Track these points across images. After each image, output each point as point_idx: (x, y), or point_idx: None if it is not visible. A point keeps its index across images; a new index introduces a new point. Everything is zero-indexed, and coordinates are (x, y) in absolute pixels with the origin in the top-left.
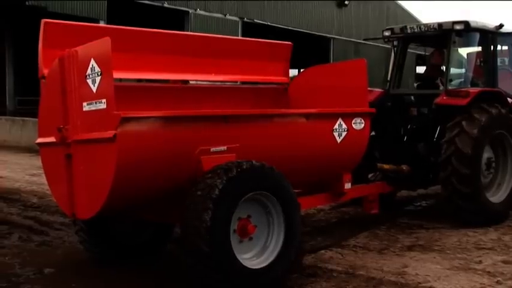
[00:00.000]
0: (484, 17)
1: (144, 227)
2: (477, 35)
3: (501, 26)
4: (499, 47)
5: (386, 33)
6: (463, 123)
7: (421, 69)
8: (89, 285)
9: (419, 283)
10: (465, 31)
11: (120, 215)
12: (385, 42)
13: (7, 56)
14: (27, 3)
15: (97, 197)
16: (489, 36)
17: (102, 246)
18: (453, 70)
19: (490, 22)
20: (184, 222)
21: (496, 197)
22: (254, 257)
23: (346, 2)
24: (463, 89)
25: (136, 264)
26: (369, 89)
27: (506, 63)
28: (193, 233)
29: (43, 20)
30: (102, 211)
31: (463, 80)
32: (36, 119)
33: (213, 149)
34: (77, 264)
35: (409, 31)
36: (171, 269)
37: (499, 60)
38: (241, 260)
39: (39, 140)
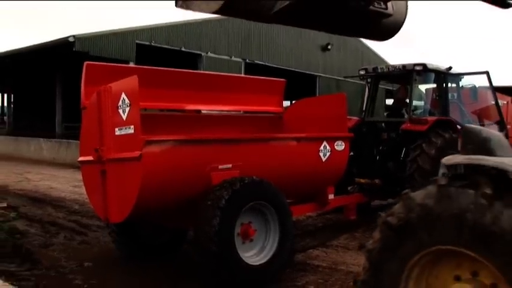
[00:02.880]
0: (439, 57)
1: (163, 230)
2: (432, 75)
3: (450, 68)
4: (449, 85)
5: (362, 72)
6: (423, 145)
7: (389, 101)
8: (119, 276)
9: None
10: (423, 71)
11: (145, 220)
12: (361, 79)
13: (57, 91)
14: (74, 49)
15: (126, 205)
16: (441, 76)
17: (129, 246)
18: (415, 102)
19: (443, 64)
20: (196, 227)
21: None
22: (254, 256)
23: (329, 47)
24: (422, 118)
25: (156, 260)
26: (348, 117)
27: (455, 97)
28: (204, 235)
29: (85, 62)
30: (129, 217)
31: (422, 110)
32: (78, 141)
33: (220, 167)
34: (110, 259)
35: (379, 70)
36: (185, 265)
37: (450, 95)
38: (243, 258)
39: (80, 159)
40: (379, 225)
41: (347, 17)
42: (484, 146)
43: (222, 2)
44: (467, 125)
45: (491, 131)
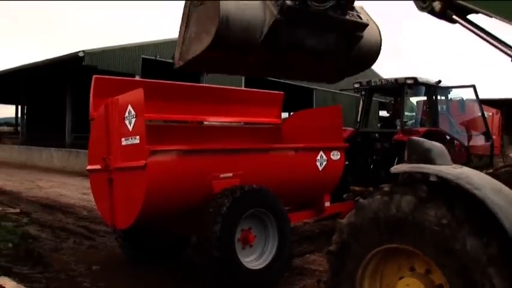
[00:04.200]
0: (427, 71)
1: (168, 236)
2: (423, 88)
3: (439, 81)
4: (439, 97)
5: (356, 85)
6: None
7: (383, 113)
8: (125, 279)
9: None
10: (414, 85)
11: (150, 226)
12: (355, 92)
13: (67, 102)
14: (83, 63)
15: (131, 212)
16: (431, 89)
17: (135, 250)
18: (407, 114)
19: (432, 78)
20: (199, 233)
21: None
22: (254, 260)
23: None
24: (414, 129)
25: (161, 264)
26: (343, 128)
27: (444, 109)
28: (206, 241)
29: (94, 76)
30: (135, 223)
31: (414, 121)
32: (87, 151)
33: (221, 175)
34: (117, 263)
35: (373, 84)
36: (189, 269)
37: (439, 107)
38: (244, 263)
39: (89, 167)
40: (326, 257)
41: (329, 31)
42: (426, 156)
43: (213, 33)
44: (412, 137)
45: (433, 142)
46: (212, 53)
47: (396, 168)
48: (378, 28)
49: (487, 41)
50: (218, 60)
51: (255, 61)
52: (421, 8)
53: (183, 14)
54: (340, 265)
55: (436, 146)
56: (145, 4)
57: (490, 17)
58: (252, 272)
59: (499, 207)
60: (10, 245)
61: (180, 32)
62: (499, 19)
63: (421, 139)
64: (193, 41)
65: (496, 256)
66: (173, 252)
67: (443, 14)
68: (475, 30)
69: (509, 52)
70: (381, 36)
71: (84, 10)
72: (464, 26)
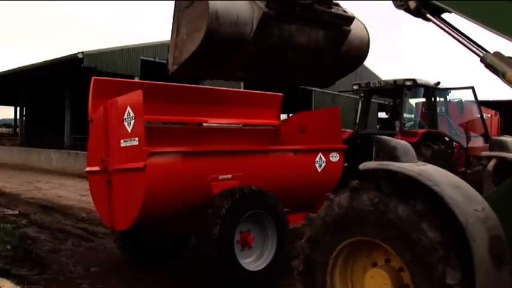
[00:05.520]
0: (426, 73)
1: (167, 237)
2: (422, 90)
3: (438, 83)
4: (438, 99)
5: (355, 87)
6: None
7: (381, 115)
8: (124, 281)
9: None
10: (413, 86)
11: (148, 227)
12: (354, 94)
13: (66, 104)
14: (82, 65)
15: (130, 213)
16: (430, 91)
17: (134, 252)
18: (406, 115)
19: (431, 79)
20: (198, 234)
21: None
22: (253, 262)
23: None
24: (413, 130)
25: (160, 266)
26: (342, 129)
27: (443, 111)
28: (205, 242)
29: (93, 77)
30: (134, 224)
31: (413, 123)
32: (86, 152)
33: (221, 177)
34: (116, 265)
35: (372, 85)
36: (188, 271)
37: (438, 108)
38: (242, 264)
39: (88, 169)
40: (298, 279)
41: (318, 27)
42: (392, 153)
43: (205, 29)
44: (379, 136)
45: (399, 141)
46: (205, 51)
47: (364, 165)
48: (364, 25)
49: (459, 41)
50: (212, 61)
51: (247, 61)
52: (398, 6)
53: (173, 22)
54: (310, 281)
55: (401, 144)
56: (144, 6)
57: (462, 17)
58: (251, 273)
59: (455, 203)
60: (9, 246)
61: (171, 39)
62: (468, 19)
63: (388, 138)
64: (186, 42)
65: (424, 211)
66: (172, 253)
67: (418, 12)
68: (447, 29)
69: (478, 52)
70: (367, 32)
71: (83, 11)
72: (437, 24)
